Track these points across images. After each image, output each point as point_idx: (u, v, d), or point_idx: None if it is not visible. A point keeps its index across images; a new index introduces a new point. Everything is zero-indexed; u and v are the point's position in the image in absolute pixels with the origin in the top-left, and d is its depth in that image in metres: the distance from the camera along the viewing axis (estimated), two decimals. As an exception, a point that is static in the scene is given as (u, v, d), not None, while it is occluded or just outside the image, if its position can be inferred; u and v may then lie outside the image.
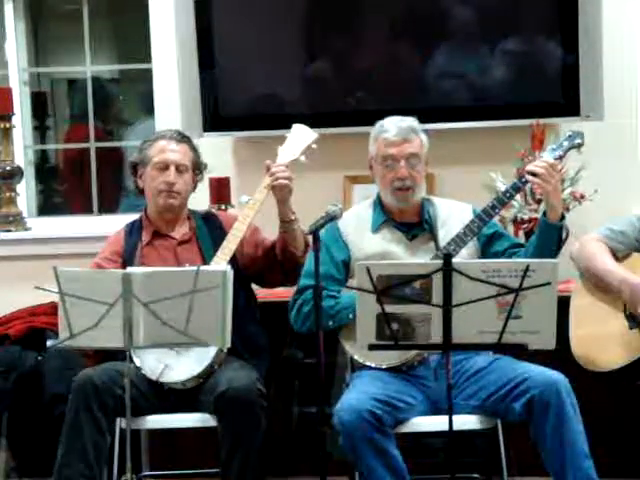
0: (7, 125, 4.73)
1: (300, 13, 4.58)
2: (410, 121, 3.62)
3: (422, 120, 3.67)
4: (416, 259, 3.51)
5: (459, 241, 3.50)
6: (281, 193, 3.69)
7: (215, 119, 4.55)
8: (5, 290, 4.56)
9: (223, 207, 4.41)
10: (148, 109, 5.03)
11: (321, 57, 4.59)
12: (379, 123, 3.64)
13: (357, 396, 3.34)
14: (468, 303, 2.93)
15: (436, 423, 3.39)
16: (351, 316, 3.46)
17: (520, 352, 3.08)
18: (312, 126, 3.85)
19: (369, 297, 2.97)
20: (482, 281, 2.92)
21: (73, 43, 5.26)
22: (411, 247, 3.60)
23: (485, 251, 3.61)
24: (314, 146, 3.78)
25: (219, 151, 4.53)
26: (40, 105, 5.43)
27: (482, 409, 3.41)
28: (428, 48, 4.50)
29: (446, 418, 3.04)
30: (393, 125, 3.59)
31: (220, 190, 4.45)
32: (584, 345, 3.58)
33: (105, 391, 3.49)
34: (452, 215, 3.63)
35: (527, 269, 2.91)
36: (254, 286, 3.93)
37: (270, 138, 4.01)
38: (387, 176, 3.59)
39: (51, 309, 4.09)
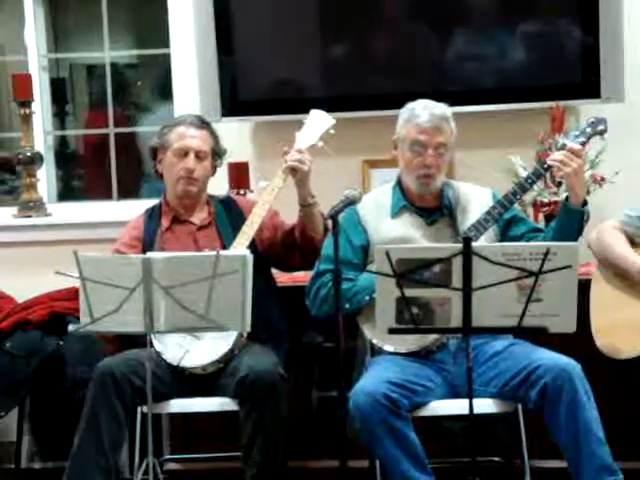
0: (27, 111, 4.73)
1: (318, -4, 4.57)
2: (443, 109, 3.58)
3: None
4: (435, 244, 3.50)
5: (479, 227, 3.49)
6: (299, 177, 3.69)
7: (233, 104, 4.54)
8: (26, 275, 4.58)
9: (242, 192, 4.40)
10: (166, 94, 5.03)
11: (339, 41, 4.57)
12: (411, 105, 3.60)
13: (372, 380, 3.35)
14: (488, 287, 2.93)
15: (455, 407, 3.40)
16: (367, 298, 3.47)
17: (539, 336, 3.08)
18: (330, 110, 3.85)
19: (389, 281, 2.97)
20: (502, 264, 2.92)
21: (91, 29, 5.26)
22: (430, 232, 3.60)
23: (504, 235, 3.60)
24: (332, 131, 3.78)
25: (237, 136, 4.53)
26: (59, 91, 5.44)
27: (500, 395, 3.41)
28: (447, 30, 4.48)
29: (465, 402, 3.04)
30: (427, 111, 3.55)
31: (239, 175, 4.45)
32: (606, 333, 3.57)
33: (124, 382, 3.51)
34: (472, 200, 3.63)
35: (547, 252, 2.90)
36: (274, 270, 3.94)
37: (288, 122, 4.00)
38: (413, 161, 3.57)
39: (72, 294, 4.10)
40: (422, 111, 3.56)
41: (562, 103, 4.30)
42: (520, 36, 4.44)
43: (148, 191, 5.15)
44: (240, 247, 3.62)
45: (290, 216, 3.83)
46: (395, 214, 3.63)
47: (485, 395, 3.41)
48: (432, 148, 3.54)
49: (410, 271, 2.96)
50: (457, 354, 3.49)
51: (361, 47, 4.53)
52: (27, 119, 4.75)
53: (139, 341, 3.46)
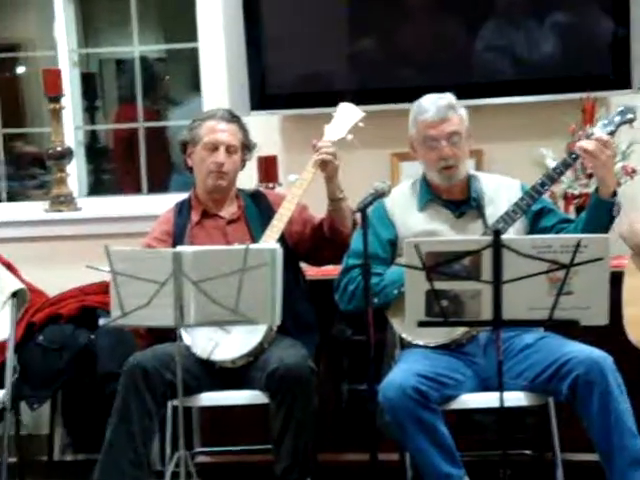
0: (57, 106, 4.75)
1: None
2: (448, 98, 3.58)
3: (470, 96, 3.65)
4: (464, 237, 3.49)
5: (508, 219, 3.47)
6: (328, 170, 3.69)
7: (262, 97, 4.55)
8: (57, 270, 4.60)
9: (271, 186, 4.41)
10: (195, 88, 5.04)
11: (367, 33, 4.56)
12: (417, 103, 3.61)
13: (402, 373, 3.35)
14: (519, 279, 2.91)
15: (486, 400, 3.39)
16: (396, 292, 3.47)
17: (570, 329, 3.06)
18: (359, 103, 3.84)
19: (418, 274, 2.97)
20: (533, 257, 2.91)
21: (120, 24, 5.28)
22: (458, 225, 3.59)
23: (534, 227, 3.59)
24: (361, 124, 3.78)
25: (266, 129, 4.53)
26: (89, 86, 5.46)
27: (531, 389, 3.40)
28: (475, 22, 4.46)
29: (496, 395, 3.04)
30: (431, 105, 3.55)
31: (268, 169, 4.45)
32: (638, 325, 3.55)
33: (155, 375, 3.52)
34: (500, 191, 3.61)
35: (579, 244, 2.89)
36: (303, 264, 3.94)
37: (317, 116, 4.00)
38: (430, 156, 3.56)
39: (102, 288, 4.12)
40: (428, 106, 3.56)
41: (593, 94, 4.27)
42: (550, 27, 4.41)
43: (177, 184, 5.17)
44: (269, 241, 3.63)
45: (319, 210, 3.83)
46: (422, 207, 3.63)
47: (516, 388, 3.40)
48: (444, 139, 3.53)
49: (440, 264, 2.95)
50: (487, 347, 3.48)
51: (389, 39, 4.52)
52: (57, 114, 4.77)
53: (169, 335, 3.47)
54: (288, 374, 3.47)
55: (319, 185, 3.72)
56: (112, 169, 5.89)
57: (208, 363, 3.61)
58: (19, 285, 4.02)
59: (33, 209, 4.93)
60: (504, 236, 2.96)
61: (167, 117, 5.64)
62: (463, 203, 3.62)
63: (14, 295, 3.95)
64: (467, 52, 4.47)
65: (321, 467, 3.70)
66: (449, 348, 3.49)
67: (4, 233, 4.72)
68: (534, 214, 3.59)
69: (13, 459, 3.96)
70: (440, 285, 2.97)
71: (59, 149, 4.79)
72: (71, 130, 4.97)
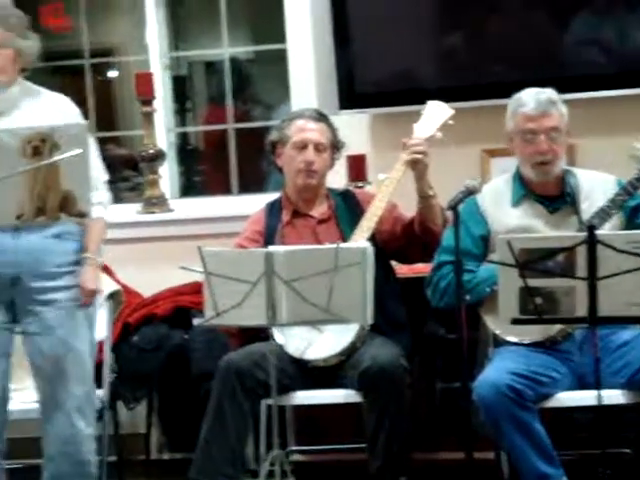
0: (149, 109, 4.81)
1: (434, -15, 4.55)
2: (549, 93, 3.55)
3: (562, 90, 3.60)
4: (558, 233, 3.45)
5: (603, 215, 3.42)
6: (418, 168, 3.68)
7: (351, 96, 4.55)
8: (151, 270, 4.66)
9: (360, 185, 4.41)
10: (284, 89, 5.07)
11: (456, 30, 4.54)
12: (516, 96, 3.58)
13: (496, 371, 3.33)
14: (614, 275, 2.87)
15: (583, 397, 3.35)
16: (488, 289, 3.45)
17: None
18: (448, 100, 3.82)
19: (511, 271, 2.95)
20: (628, 252, 2.86)
21: (209, 26, 5.33)
22: (552, 221, 3.55)
23: (631, 223, 3.52)
24: (450, 122, 3.76)
25: (355, 128, 4.53)
26: (180, 89, 5.52)
27: (629, 386, 3.35)
28: (565, 15, 4.40)
29: (594, 393, 3.00)
30: (531, 98, 3.52)
31: (357, 168, 4.46)
32: None
33: (248, 375, 3.55)
34: (595, 187, 3.56)
35: (675, 239, 2.84)
36: (393, 262, 3.93)
37: (406, 114, 3.99)
38: (527, 150, 3.53)
39: (196, 288, 4.16)
40: (527, 99, 3.53)
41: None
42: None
43: (274, 185, 5.19)
44: (360, 239, 3.63)
45: (409, 208, 3.82)
46: (516, 203, 3.59)
47: (614, 386, 3.35)
48: (543, 134, 3.50)
49: (533, 261, 2.92)
50: (583, 344, 3.43)
51: (478, 35, 4.50)
52: (149, 117, 4.83)
53: (261, 335, 3.50)
54: (381, 373, 3.47)
55: (409, 183, 3.71)
56: (202, 170, 5.94)
57: (301, 362, 3.63)
58: (115, 286, 4.09)
59: (126, 211, 5.00)
60: (599, 232, 2.92)
61: (256, 118, 5.67)
62: (557, 198, 3.58)
63: (110, 297, 4.01)
64: (558, 45, 4.42)
65: (415, 466, 3.69)
66: (544, 346, 3.45)
67: (99, 235, 4.79)
68: (631, 210, 3.53)
69: (112, 458, 4.02)
70: (534, 282, 2.94)
71: (151, 151, 4.84)
72: (163, 132, 5.02)
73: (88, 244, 3.52)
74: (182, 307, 4.42)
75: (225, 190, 5.19)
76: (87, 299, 3.49)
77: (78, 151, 3.03)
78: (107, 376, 3.92)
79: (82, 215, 3.16)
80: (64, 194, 3.08)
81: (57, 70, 5.60)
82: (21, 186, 3.03)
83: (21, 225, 3.21)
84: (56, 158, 3.02)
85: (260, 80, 5.89)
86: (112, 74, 6.27)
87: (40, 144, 3.03)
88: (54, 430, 3.47)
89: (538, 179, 3.56)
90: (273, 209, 3.93)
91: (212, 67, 5.93)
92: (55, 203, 3.08)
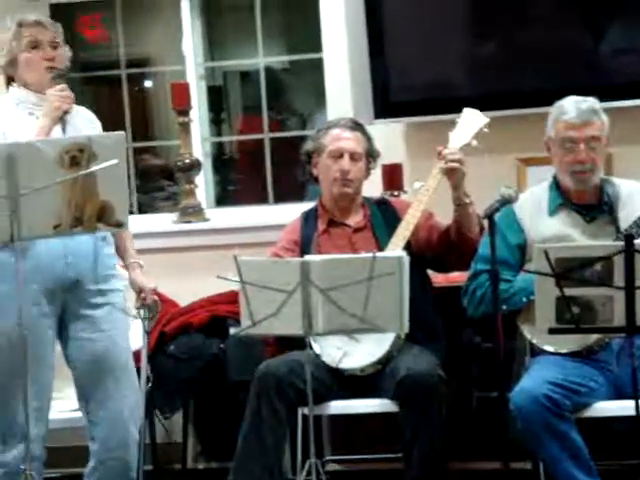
0: (186, 119, 4.84)
1: (466, -6, 4.54)
2: (591, 102, 3.53)
3: (598, 98, 3.58)
4: (595, 242, 3.43)
5: (642, 224, 3.41)
6: (454, 177, 3.67)
7: (386, 105, 4.55)
8: (187, 280, 4.67)
9: (396, 193, 4.41)
10: (318, 98, 5.08)
11: (489, 38, 4.54)
12: (558, 104, 3.57)
13: (533, 380, 3.31)
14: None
15: (621, 407, 3.32)
16: (524, 299, 3.43)
17: None
18: (483, 109, 3.81)
19: (548, 280, 2.93)
20: (667, 262, 2.84)
21: (244, 36, 5.35)
22: (590, 230, 3.53)
23: (670, 232, 3.50)
24: (485, 130, 3.75)
25: (390, 137, 4.54)
26: (215, 98, 5.54)
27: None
28: (600, 23, 4.39)
29: (632, 402, 2.97)
30: (573, 107, 3.51)
31: (393, 176, 4.46)
32: None
33: (285, 383, 3.55)
34: (633, 196, 3.54)
35: None
36: (429, 271, 3.92)
37: (441, 122, 3.99)
38: (566, 159, 3.52)
39: (231, 297, 4.17)
40: (569, 107, 3.51)
41: None
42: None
43: (314, 193, 5.20)
44: (395, 248, 3.63)
45: (445, 216, 3.81)
46: (553, 212, 3.58)
47: (652, 396, 3.32)
48: (583, 143, 3.49)
49: (570, 270, 2.91)
50: (620, 354, 3.41)
51: (512, 44, 4.49)
52: (185, 127, 4.85)
53: (297, 343, 3.50)
54: (417, 382, 3.47)
55: (445, 191, 3.70)
56: (237, 179, 5.96)
57: (337, 371, 3.63)
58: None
59: (162, 221, 5.03)
60: (637, 241, 2.90)
61: (291, 127, 5.69)
62: (595, 208, 3.56)
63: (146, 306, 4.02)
64: (592, 53, 4.40)
65: (452, 476, 3.68)
66: (581, 355, 3.43)
67: (135, 244, 4.79)
68: (670, 220, 3.51)
69: (149, 467, 4.03)
70: (571, 291, 2.93)
71: (187, 161, 4.86)
72: (198, 142, 5.05)
73: (129, 249, 3.56)
74: (218, 316, 4.43)
75: (259, 199, 5.20)
76: (151, 298, 3.54)
77: (115, 161, 3.05)
78: (143, 386, 3.94)
79: (119, 225, 3.17)
80: (102, 204, 3.09)
81: (93, 80, 5.64)
82: (59, 196, 3.04)
83: (58, 235, 3.22)
84: (93, 168, 3.03)
85: (294, 89, 5.91)
86: (147, 84, 6.31)
87: (78, 154, 3.04)
88: (107, 434, 3.44)
89: (576, 188, 3.55)
90: (309, 218, 3.94)
91: (247, 77, 5.95)
92: (93, 213, 3.09)
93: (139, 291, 3.55)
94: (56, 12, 5.12)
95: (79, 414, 3.55)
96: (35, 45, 3.40)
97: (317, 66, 4.89)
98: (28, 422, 3.20)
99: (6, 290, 3.27)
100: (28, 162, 3.00)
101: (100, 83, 5.69)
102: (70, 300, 3.43)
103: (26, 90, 3.41)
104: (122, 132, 3.17)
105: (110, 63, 5.32)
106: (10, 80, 3.46)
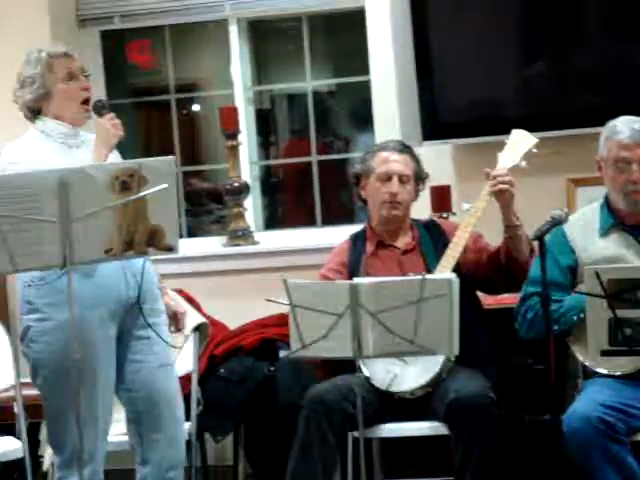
0: (234, 143, 4.87)
1: (516, 14, 4.54)
2: None
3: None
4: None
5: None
6: (503, 198, 3.66)
7: (434, 127, 4.56)
8: (237, 302, 4.69)
9: (445, 215, 4.40)
10: (364, 120, 5.08)
11: (538, 58, 4.52)
12: (611, 124, 3.55)
13: (587, 403, 3.29)
14: None
15: (676, 430, 3.28)
16: (575, 318, 3.41)
17: None
18: (532, 129, 3.80)
19: (600, 302, 2.91)
20: None
21: (291, 60, 5.38)
22: (643, 251, 3.50)
23: None
24: (534, 150, 3.74)
25: (439, 159, 4.53)
26: (263, 122, 5.57)
27: None
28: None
29: (687, 425, 2.94)
30: (626, 127, 3.49)
31: (441, 198, 4.45)
32: None
33: (335, 408, 3.55)
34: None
35: None
36: (479, 293, 3.91)
37: (489, 144, 3.98)
38: (618, 179, 3.50)
39: (281, 320, 4.18)
40: (622, 127, 3.49)
41: None
42: None
43: (363, 216, 5.19)
44: (444, 270, 3.62)
45: (495, 239, 3.79)
46: (604, 233, 3.55)
47: None
48: (636, 163, 3.46)
49: (622, 291, 2.88)
50: (675, 376, 3.37)
51: (561, 63, 4.47)
52: (234, 150, 4.89)
53: (347, 367, 3.49)
54: (468, 405, 3.45)
55: (494, 213, 3.69)
56: (284, 202, 5.98)
57: (387, 394, 3.62)
58: (201, 319, 4.13)
59: (211, 244, 5.05)
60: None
61: (339, 150, 5.69)
62: (648, 228, 3.53)
63: (196, 329, 4.05)
64: (642, 72, 4.37)
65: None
66: (635, 377, 3.40)
67: (185, 268, 4.85)
68: None
69: (200, 489, 4.04)
70: (623, 313, 2.90)
71: (236, 184, 4.89)
72: (247, 165, 5.08)
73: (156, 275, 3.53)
74: (268, 339, 4.44)
75: (306, 222, 5.21)
76: (181, 323, 3.55)
77: (165, 185, 3.07)
78: (194, 409, 3.95)
79: (169, 249, 3.18)
80: (152, 228, 3.11)
81: (143, 105, 5.70)
82: (110, 221, 3.06)
83: (109, 260, 3.23)
84: (144, 193, 3.06)
85: (341, 112, 5.92)
86: (196, 108, 6.36)
87: (128, 179, 3.07)
88: (162, 456, 3.42)
89: (628, 209, 3.52)
90: (357, 240, 3.94)
91: (294, 100, 5.97)
92: (143, 237, 3.11)
93: (173, 315, 3.53)
94: (106, 38, 5.19)
95: (126, 437, 3.55)
96: (72, 77, 3.41)
97: (362, 89, 4.90)
98: (97, 444, 3.25)
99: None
100: (80, 187, 3.02)
101: (149, 108, 5.75)
102: (129, 321, 3.40)
103: (57, 122, 3.39)
104: (172, 156, 3.20)
105: (159, 88, 5.38)
106: (35, 113, 3.41)
